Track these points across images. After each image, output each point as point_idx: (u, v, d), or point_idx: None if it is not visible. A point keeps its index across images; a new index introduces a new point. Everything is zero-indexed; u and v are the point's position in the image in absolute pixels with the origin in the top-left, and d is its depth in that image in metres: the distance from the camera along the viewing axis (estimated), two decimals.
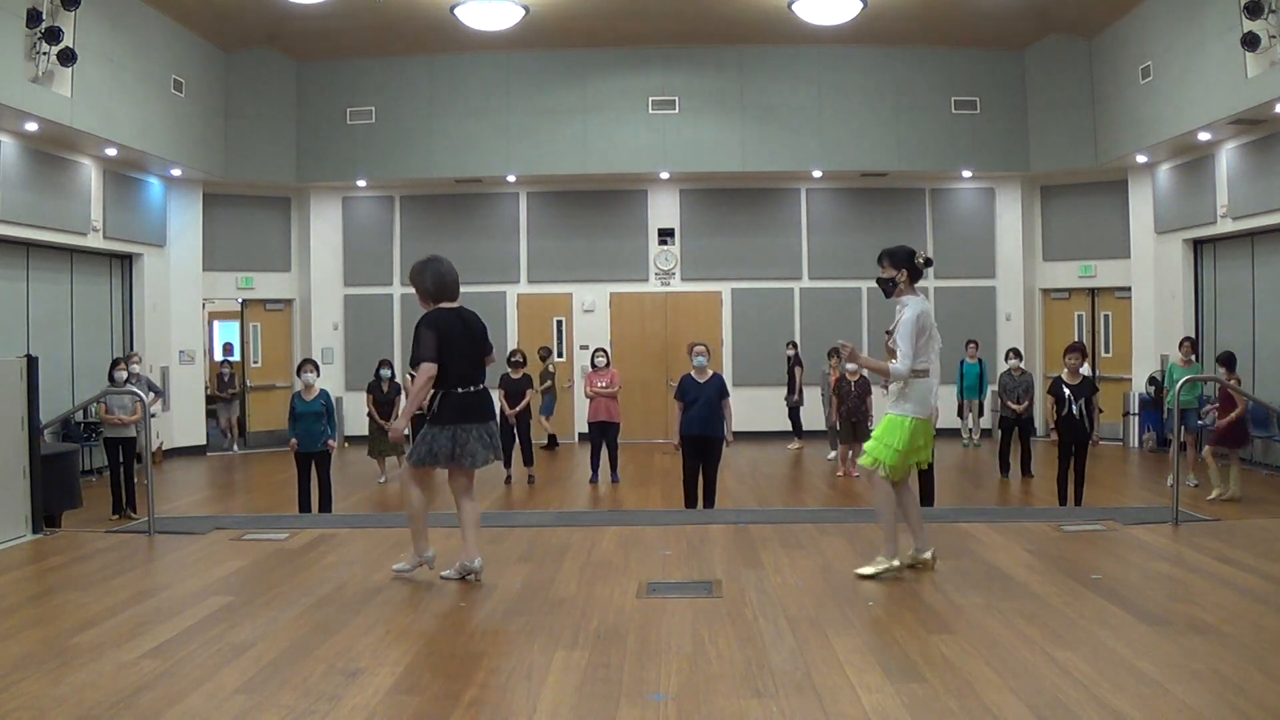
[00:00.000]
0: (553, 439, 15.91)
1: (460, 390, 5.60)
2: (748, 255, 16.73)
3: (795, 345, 15.57)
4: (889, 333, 5.81)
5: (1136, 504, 9.92)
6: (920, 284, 6.01)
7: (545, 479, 12.72)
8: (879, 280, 5.92)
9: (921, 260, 5.84)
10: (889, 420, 5.80)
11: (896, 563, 5.74)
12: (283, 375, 16.62)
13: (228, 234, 16.13)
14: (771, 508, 10.14)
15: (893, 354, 5.74)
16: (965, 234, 16.58)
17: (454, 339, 5.60)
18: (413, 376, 5.86)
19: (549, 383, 15.38)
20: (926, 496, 9.49)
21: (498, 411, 11.49)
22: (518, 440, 12.32)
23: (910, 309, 5.71)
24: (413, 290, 5.83)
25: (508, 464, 12.25)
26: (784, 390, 15.53)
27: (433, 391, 5.60)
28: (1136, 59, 13.78)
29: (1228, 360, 10.72)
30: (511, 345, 16.70)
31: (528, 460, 12.45)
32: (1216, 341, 13.93)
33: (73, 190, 12.96)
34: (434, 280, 5.71)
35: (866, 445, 5.96)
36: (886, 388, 5.93)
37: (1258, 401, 10.76)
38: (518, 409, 12.29)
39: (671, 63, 15.91)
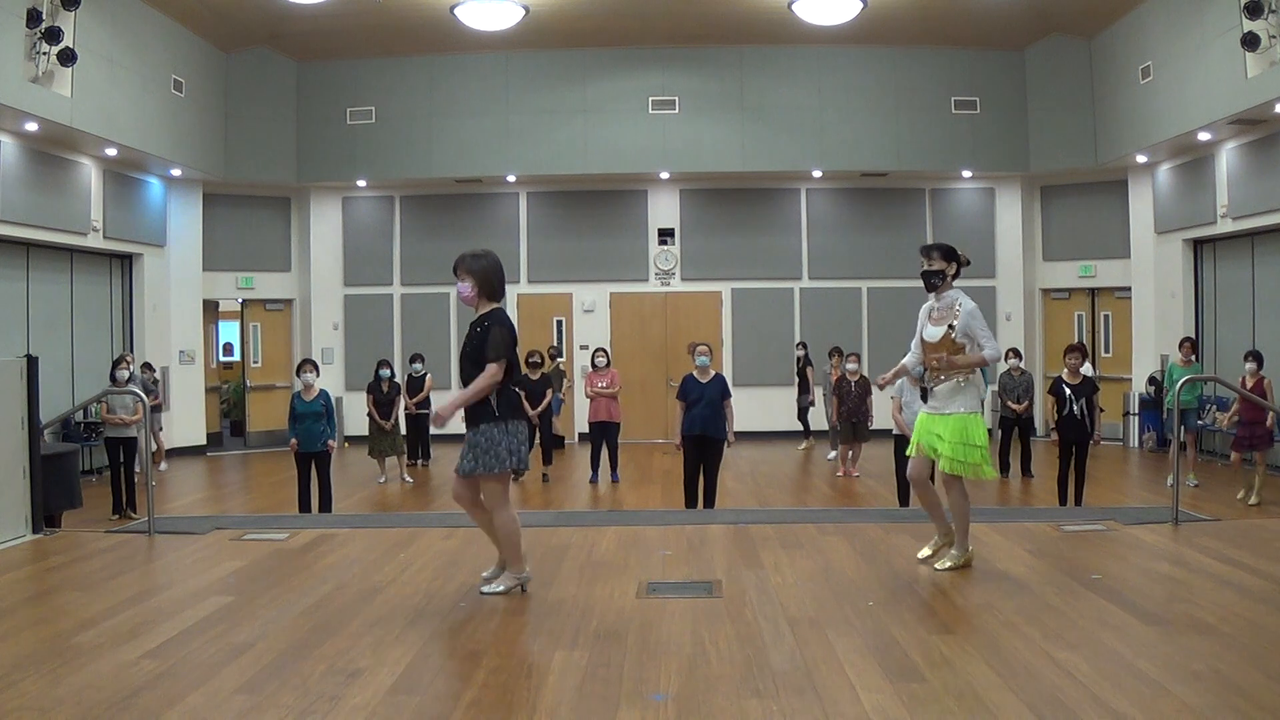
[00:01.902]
0: (560, 439, 15.90)
1: (512, 388, 5.48)
2: (748, 255, 16.73)
3: (805, 345, 15.52)
4: (952, 326, 5.78)
5: (1136, 504, 9.91)
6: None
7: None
8: (926, 273, 5.88)
9: (964, 258, 5.93)
10: (962, 421, 5.75)
11: (969, 554, 5.91)
12: (283, 375, 16.62)
13: (228, 234, 16.13)
14: (771, 508, 10.14)
15: (949, 348, 5.77)
16: (965, 234, 16.50)
17: (514, 340, 5.50)
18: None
19: (564, 383, 15.35)
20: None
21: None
22: (540, 439, 12.45)
23: (967, 300, 5.83)
24: (467, 282, 5.46)
25: (547, 461, 12.52)
26: (785, 391, 15.48)
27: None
28: (1136, 59, 13.78)
29: (1258, 357, 10.51)
30: None
31: (547, 459, 12.61)
32: (1217, 341, 13.95)
33: (73, 190, 12.96)
34: (499, 280, 5.53)
35: (949, 454, 5.74)
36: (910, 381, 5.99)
37: (1257, 402, 10.64)
38: (539, 409, 12.31)
39: (671, 63, 15.91)
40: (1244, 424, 10.24)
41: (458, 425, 5.81)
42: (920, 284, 5.98)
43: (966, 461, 5.75)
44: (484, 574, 5.65)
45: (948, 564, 5.88)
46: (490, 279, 5.48)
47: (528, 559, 5.62)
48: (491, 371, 5.31)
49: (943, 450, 5.77)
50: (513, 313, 16.59)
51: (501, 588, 5.46)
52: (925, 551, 6.11)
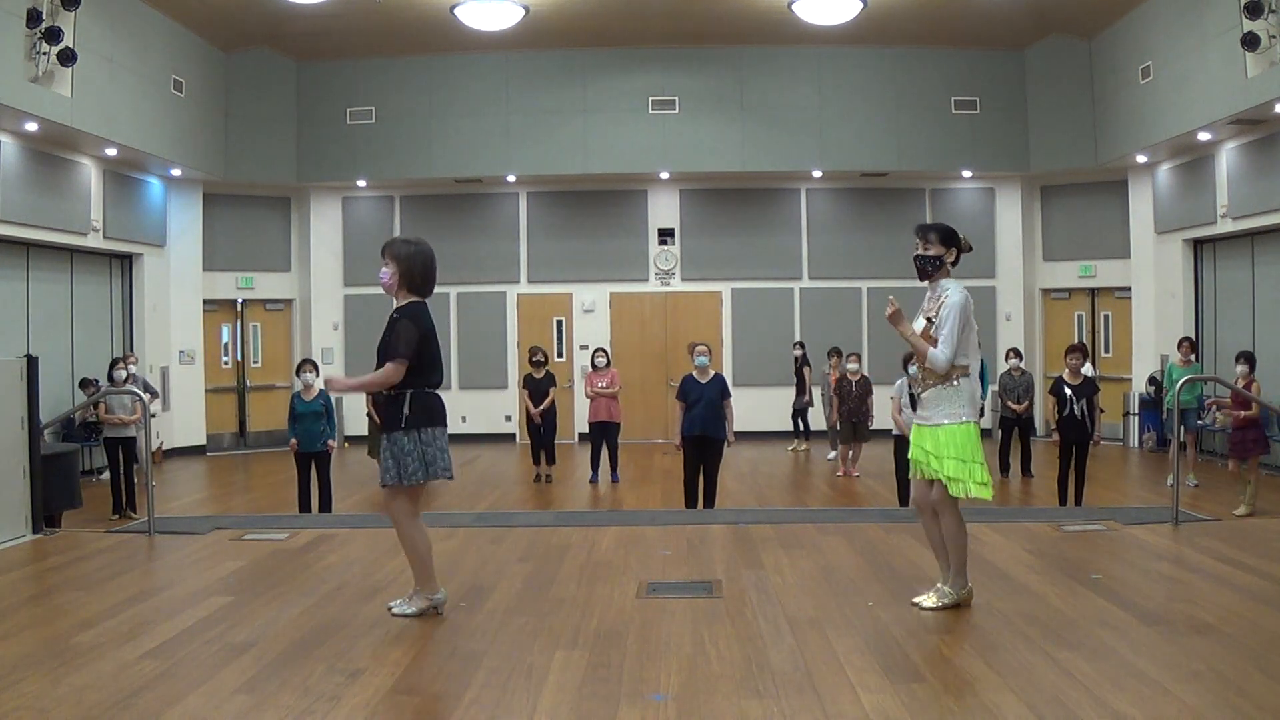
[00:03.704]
0: None
1: (428, 391, 5.07)
2: (748, 255, 16.73)
3: (803, 345, 15.48)
4: (930, 320, 5.06)
5: (1136, 504, 9.91)
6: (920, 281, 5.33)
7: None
8: (919, 258, 5.12)
9: (966, 243, 5.20)
10: (952, 433, 4.96)
11: (964, 592, 5.05)
12: (283, 375, 16.62)
13: (228, 234, 16.12)
14: (771, 508, 10.14)
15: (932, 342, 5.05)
16: (965, 234, 16.49)
17: (432, 339, 5.08)
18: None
19: None
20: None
21: (522, 411, 10.71)
22: (543, 439, 12.37)
23: (954, 293, 5.00)
24: (389, 268, 5.08)
25: (538, 462, 12.37)
26: (785, 391, 15.44)
27: (398, 392, 4.99)
28: (1136, 59, 13.78)
29: (1249, 358, 10.23)
30: (512, 345, 16.78)
31: (550, 459, 12.47)
32: (1217, 341, 13.94)
33: (73, 190, 12.96)
34: (423, 273, 5.10)
35: (946, 473, 4.97)
36: (916, 381, 5.18)
37: (1249, 398, 10.47)
38: (542, 408, 12.26)
39: (671, 63, 15.90)
40: (1237, 428, 9.93)
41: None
42: (921, 281, 5.24)
43: (954, 479, 4.96)
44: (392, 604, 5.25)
45: (936, 601, 5.04)
46: (413, 269, 5.08)
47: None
48: (388, 370, 4.92)
49: (932, 465, 5.03)
50: (512, 313, 16.81)
51: (412, 609, 5.05)
52: (928, 600, 5.19)
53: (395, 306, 5.10)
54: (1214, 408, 10.76)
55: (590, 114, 15.92)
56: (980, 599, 5.20)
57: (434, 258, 5.18)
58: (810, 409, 15.28)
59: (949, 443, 4.97)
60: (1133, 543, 6.70)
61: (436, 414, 5.09)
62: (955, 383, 4.99)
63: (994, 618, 4.91)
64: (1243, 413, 9.76)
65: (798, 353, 15.34)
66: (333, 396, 10.76)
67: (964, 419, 4.99)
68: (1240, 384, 9.95)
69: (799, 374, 15.23)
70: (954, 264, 5.16)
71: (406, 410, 4.99)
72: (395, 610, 5.09)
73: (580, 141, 15.94)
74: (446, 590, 5.21)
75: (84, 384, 12.66)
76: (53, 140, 12.21)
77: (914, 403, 5.30)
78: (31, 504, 7.27)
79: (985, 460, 5.01)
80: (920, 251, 5.14)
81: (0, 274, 12.22)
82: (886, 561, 6.18)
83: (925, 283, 5.19)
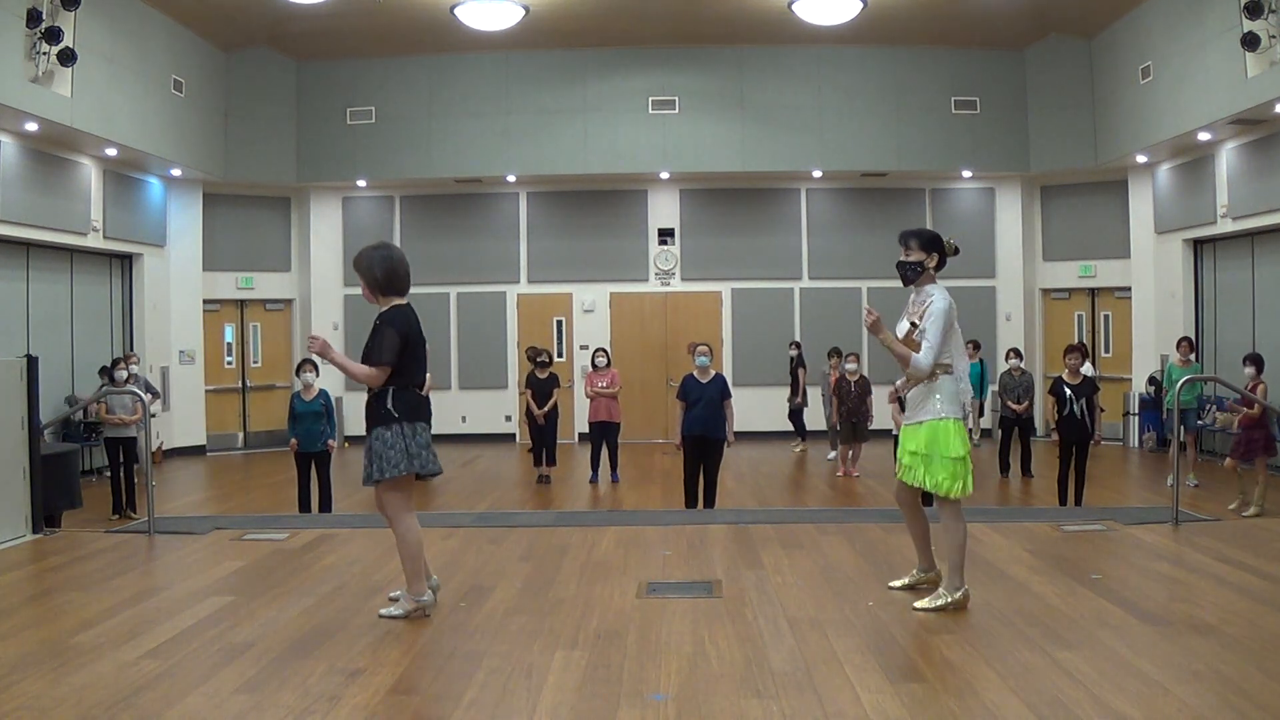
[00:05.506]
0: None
1: (411, 389, 5.12)
2: (748, 255, 16.73)
3: (799, 345, 15.49)
4: (914, 324, 5.15)
5: (1136, 504, 9.91)
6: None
7: None
8: (901, 264, 5.24)
9: (951, 246, 5.30)
10: (935, 429, 5.09)
11: (960, 595, 5.08)
12: (283, 375, 16.62)
13: (228, 234, 16.13)
14: (771, 508, 10.14)
15: (912, 349, 5.12)
16: (965, 234, 16.46)
17: (414, 342, 5.12)
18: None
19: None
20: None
21: (522, 411, 10.42)
22: (546, 439, 12.32)
23: (940, 299, 5.09)
24: (360, 278, 5.18)
25: (539, 463, 12.35)
26: (786, 391, 15.48)
27: (382, 389, 5.06)
28: (1136, 59, 13.78)
29: (1256, 360, 10.09)
30: (512, 345, 16.78)
31: (550, 461, 12.43)
32: (1217, 341, 13.95)
33: (73, 190, 12.96)
34: (384, 270, 5.09)
35: (931, 471, 5.12)
36: (900, 389, 5.37)
37: (1257, 401, 10.43)
38: (545, 409, 12.23)
39: (671, 63, 15.91)
40: (1244, 429, 9.77)
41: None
42: (905, 286, 5.35)
43: (940, 477, 5.08)
44: (390, 594, 5.33)
45: (932, 604, 5.07)
46: (374, 271, 5.09)
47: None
48: (370, 373, 5.02)
49: (919, 469, 5.15)
50: (512, 313, 16.81)
51: (399, 611, 5.04)
52: (899, 582, 5.50)
53: (379, 312, 5.14)
54: (1222, 410, 10.67)
55: (590, 114, 15.92)
56: (980, 599, 5.20)
57: (397, 258, 5.19)
58: (805, 409, 15.28)
59: (932, 439, 5.09)
60: (1133, 543, 6.70)
61: (419, 410, 5.14)
62: (936, 380, 5.11)
63: (994, 618, 4.92)
64: (1245, 410, 9.69)
65: (793, 353, 15.34)
66: (333, 396, 10.76)
67: (944, 415, 5.11)
68: (1248, 386, 9.86)
69: (794, 374, 15.24)
70: (937, 268, 5.28)
71: (389, 406, 5.04)
72: (382, 613, 5.08)
73: (580, 141, 15.94)
74: (438, 588, 5.23)
75: (103, 372, 12.63)
76: (53, 140, 12.21)
77: (902, 405, 5.45)
78: (31, 504, 7.27)
79: (968, 455, 5.15)
80: (902, 258, 5.27)
81: (0, 274, 12.23)
82: (886, 561, 6.17)
83: (911, 288, 5.32)
